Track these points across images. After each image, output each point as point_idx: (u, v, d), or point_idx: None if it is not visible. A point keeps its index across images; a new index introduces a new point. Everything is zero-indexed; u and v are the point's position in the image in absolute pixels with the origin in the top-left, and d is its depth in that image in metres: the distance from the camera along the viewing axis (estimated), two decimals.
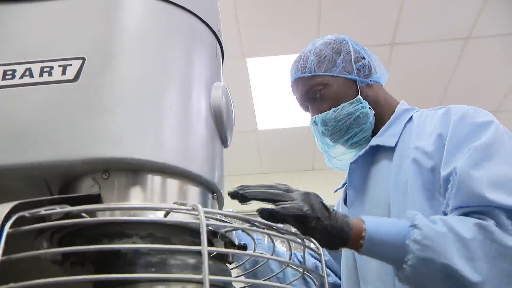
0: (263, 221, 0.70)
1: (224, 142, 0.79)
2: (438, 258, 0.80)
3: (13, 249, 0.51)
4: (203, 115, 0.74)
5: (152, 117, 0.67)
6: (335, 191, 1.22)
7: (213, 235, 0.69)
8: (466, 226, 0.84)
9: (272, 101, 3.98)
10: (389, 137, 1.10)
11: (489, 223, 0.84)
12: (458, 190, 0.91)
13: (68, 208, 0.56)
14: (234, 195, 0.70)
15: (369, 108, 1.13)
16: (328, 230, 0.77)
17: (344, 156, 1.19)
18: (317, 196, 0.79)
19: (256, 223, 0.67)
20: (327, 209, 0.79)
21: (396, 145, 1.08)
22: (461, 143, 0.95)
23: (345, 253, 1.10)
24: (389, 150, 1.08)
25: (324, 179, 3.22)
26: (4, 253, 0.49)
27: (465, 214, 0.88)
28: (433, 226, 0.83)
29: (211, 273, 0.48)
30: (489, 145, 0.92)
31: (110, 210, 0.63)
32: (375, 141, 1.12)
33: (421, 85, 3.64)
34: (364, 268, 1.03)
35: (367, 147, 1.12)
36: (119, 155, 0.64)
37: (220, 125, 0.77)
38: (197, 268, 0.58)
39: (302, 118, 4.22)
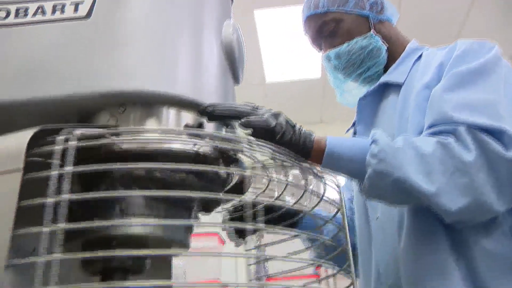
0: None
1: (236, 78, 0.80)
2: (393, 172, 0.83)
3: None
4: (215, 51, 0.75)
5: (166, 51, 0.68)
6: (346, 131, 1.23)
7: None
8: (427, 143, 0.87)
9: (280, 53, 3.95)
10: (398, 74, 1.11)
11: (450, 140, 0.86)
12: (429, 110, 0.95)
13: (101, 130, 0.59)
14: (202, 112, 0.70)
15: (382, 43, 1.14)
16: (292, 144, 0.81)
17: (355, 91, 1.19)
18: (284, 114, 0.83)
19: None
20: (292, 125, 0.83)
21: (404, 82, 1.09)
22: (449, 70, 0.98)
23: (356, 188, 1.12)
24: (397, 87, 1.10)
25: (331, 132, 3.22)
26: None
27: (434, 134, 0.90)
28: (391, 142, 0.87)
29: None
30: (471, 72, 0.94)
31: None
32: (384, 78, 1.13)
33: (431, 32, 3.58)
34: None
35: (376, 84, 1.13)
36: (134, 88, 0.65)
37: (232, 62, 0.78)
38: None
39: (310, 70, 4.20)
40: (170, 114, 0.68)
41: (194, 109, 0.69)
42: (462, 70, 0.95)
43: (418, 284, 0.92)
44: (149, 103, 0.67)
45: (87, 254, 0.60)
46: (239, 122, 0.76)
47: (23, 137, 0.52)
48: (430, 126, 0.92)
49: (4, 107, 0.65)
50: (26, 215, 0.52)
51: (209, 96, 0.70)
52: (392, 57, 1.15)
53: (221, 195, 0.73)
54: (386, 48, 1.15)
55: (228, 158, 0.72)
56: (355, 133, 1.18)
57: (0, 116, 0.65)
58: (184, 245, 0.70)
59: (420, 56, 1.12)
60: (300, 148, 0.82)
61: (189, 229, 0.72)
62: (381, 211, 1.03)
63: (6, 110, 0.65)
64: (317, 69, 4.09)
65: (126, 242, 0.63)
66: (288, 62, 4.06)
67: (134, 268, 0.66)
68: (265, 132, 0.77)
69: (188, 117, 0.69)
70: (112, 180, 0.63)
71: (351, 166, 0.88)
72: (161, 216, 0.64)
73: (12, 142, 0.54)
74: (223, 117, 0.72)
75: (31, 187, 0.52)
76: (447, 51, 1.03)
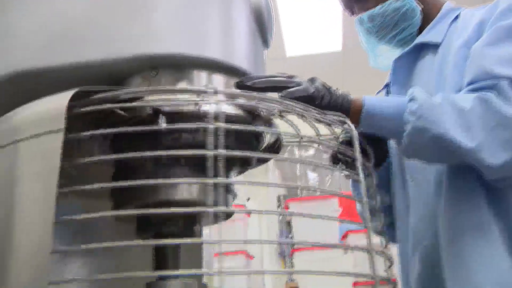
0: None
1: (265, 42, 0.79)
2: (432, 128, 0.83)
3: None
4: (244, 14, 0.74)
5: (196, 14, 0.68)
6: (377, 93, 1.22)
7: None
8: (466, 99, 0.86)
9: (301, 26, 3.91)
10: (434, 34, 1.10)
11: (491, 95, 0.85)
12: (470, 66, 0.93)
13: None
14: (240, 85, 0.70)
15: (416, 4, 1.11)
16: (331, 106, 0.82)
17: (389, 54, 1.18)
18: (319, 79, 0.85)
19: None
20: (328, 88, 0.84)
21: (441, 42, 1.07)
22: (491, 25, 0.95)
23: (393, 149, 1.12)
24: (434, 48, 1.08)
25: None
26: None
27: (474, 90, 0.89)
28: (430, 98, 0.87)
29: None
30: None
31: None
32: (420, 38, 1.11)
33: None
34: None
35: (412, 44, 1.11)
36: (166, 51, 0.66)
37: (261, 25, 0.77)
38: None
39: (330, 43, 4.16)
40: (201, 77, 0.68)
41: (225, 72, 0.70)
42: (504, 24, 0.93)
43: (456, 242, 0.92)
44: (180, 66, 0.67)
45: (122, 212, 0.62)
46: (281, 94, 0.78)
47: (62, 98, 0.53)
48: (469, 83, 0.91)
49: (39, 73, 0.66)
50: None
51: (240, 59, 0.71)
52: (427, 19, 1.12)
53: (265, 155, 0.75)
54: (420, 9, 1.12)
55: (260, 119, 0.72)
56: (387, 94, 1.17)
57: (35, 82, 0.66)
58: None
59: (457, 17, 1.10)
60: (338, 110, 0.81)
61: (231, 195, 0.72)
62: (418, 171, 1.03)
63: (40, 76, 0.66)
64: (338, 42, 4.05)
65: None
66: (308, 35, 4.02)
67: (185, 235, 0.68)
68: (305, 100, 0.77)
69: (220, 79, 0.69)
70: (154, 143, 0.64)
71: (390, 125, 0.88)
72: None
73: (52, 104, 0.55)
74: (261, 89, 0.73)
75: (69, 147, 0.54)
76: (488, 8, 1.01)
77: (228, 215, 0.70)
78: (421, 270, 1.00)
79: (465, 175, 0.92)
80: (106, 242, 0.53)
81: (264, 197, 3.41)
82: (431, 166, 0.98)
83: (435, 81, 1.03)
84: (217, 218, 0.64)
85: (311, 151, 5.60)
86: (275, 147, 0.76)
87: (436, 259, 0.95)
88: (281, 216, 4.71)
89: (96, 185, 0.51)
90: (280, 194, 4.96)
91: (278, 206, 5.01)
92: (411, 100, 0.86)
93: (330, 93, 0.84)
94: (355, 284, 2.55)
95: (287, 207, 2.87)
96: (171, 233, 0.66)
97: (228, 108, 0.67)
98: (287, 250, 4.39)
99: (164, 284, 0.62)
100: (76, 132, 0.56)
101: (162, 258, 0.68)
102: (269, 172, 3.49)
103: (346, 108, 0.85)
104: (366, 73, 1.93)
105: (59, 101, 0.53)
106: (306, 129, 0.75)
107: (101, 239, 0.53)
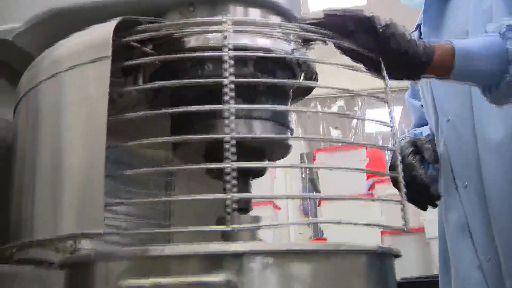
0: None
1: None
2: None
3: None
4: None
5: None
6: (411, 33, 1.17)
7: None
8: None
9: None
10: None
11: None
12: None
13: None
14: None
15: None
16: (404, 51, 0.72)
17: None
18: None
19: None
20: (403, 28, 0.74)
21: None
22: None
23: (423, 89, 1.10)
24: None
25: None
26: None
27: None
28: None
29: None
30: None
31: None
32: None
33: None
34: (442, 99, 1.03)
35: None
36: None
37: None
38: None
39: None
40: (237, 12, 0.69)
41: (261, 6, 0.70)
42: None
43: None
44: (217, 2, 0.68)
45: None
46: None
47: (107, 26, 0.55)
48: None
49: (79, 9, 0.68)
50: None
51: None
52: None
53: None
54: None
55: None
56: (420, 36, 1.13)
57: (75, 19, 0.67)
58: (287, 146, 0.71)
59: None
60: (421, 54, 0.74)
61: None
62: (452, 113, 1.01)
63: (80, 13, 0.68)
64: None
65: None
66: None
67: (255, 171, 0.69)
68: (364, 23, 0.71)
69: (256, 14, 0.69)
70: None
71: (488, 66, 0.79)
72: (264, 117, 0.66)
73: (97, 33, 0.56)
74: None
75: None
76: None
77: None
78: None
79: None
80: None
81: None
82: (466, 101, 0.96)
83: (473, 19, 0.97)
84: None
85: (334, 109, 5.59)
86: (312, 80, 0.77)
87: None
88: (303, 174, 4.76)
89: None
90: (302, 152, 4.99)
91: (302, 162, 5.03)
92: (508, 29, 0.77)
93: (405, 30, 0.73)
94: (383, 233, 2.59)
95: (314, 158, 2.87)
96: (242, 171, 0.65)
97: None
98: (310, 208, 4.43)
99: (233, 218, 0.64)
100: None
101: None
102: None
103: (427, 54, 0.74)
104: None
105: (104, 30, 0.55)
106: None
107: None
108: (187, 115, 0.65)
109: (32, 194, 0.58)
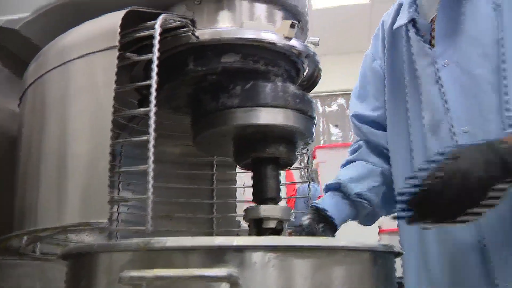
0: None
1: None
2: None
3: None
4: None
5: None
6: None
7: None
8: None
9: None
10: None
11: None
12: None
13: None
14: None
15: None
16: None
17: None
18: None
19: None
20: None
21: None
22: None
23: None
24: None
25: None
26: None
27: None
28: None
29: None
30: None
31: None
32: None
33: None
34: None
35: None
36: None
37: None
38: None
39: None
40: (243, 6, 0.69)
41: (266, 1, 0.70)
42: None
43: None
44: None
45: None
46: None
47: (115, 16, 0.55)
48: None
49: (83, 0, 0.68)
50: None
51: None
52: None
53: None
54: None
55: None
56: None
57: (85, 9, 0.67)
58: (309, 134, 0.71)
59: None
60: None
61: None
62: None
63: (89, 3, 0.68)
64: None
65: (257, 132, 0.67)
66: None
67: (284, 159, 0.69)
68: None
69: (262, 8, 0.70)
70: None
71: None
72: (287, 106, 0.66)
73: (105, 23, 0.56)
74: None
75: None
76: None
77: None
78: None
79: None
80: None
81: None
82: None
83: (494, 26, 0.87)
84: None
85: (334, 107, 5.59)
86: (314, 77, 0.77)
87: None
88: (302, 172, 4.77)
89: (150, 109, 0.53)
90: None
91: (300, 162, 5.04)
92: None
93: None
94: (381, 231, 2.61)
95: (315, 156, 2.89)
96: (271, 156, 0.68)
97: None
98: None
99: (259, 208, 0.66)
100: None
101: (263, 186, 0.68)
102: None
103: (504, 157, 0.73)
104: None
105: (112, 20, 0.55)
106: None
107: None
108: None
109: (37, 183, 0.58)
